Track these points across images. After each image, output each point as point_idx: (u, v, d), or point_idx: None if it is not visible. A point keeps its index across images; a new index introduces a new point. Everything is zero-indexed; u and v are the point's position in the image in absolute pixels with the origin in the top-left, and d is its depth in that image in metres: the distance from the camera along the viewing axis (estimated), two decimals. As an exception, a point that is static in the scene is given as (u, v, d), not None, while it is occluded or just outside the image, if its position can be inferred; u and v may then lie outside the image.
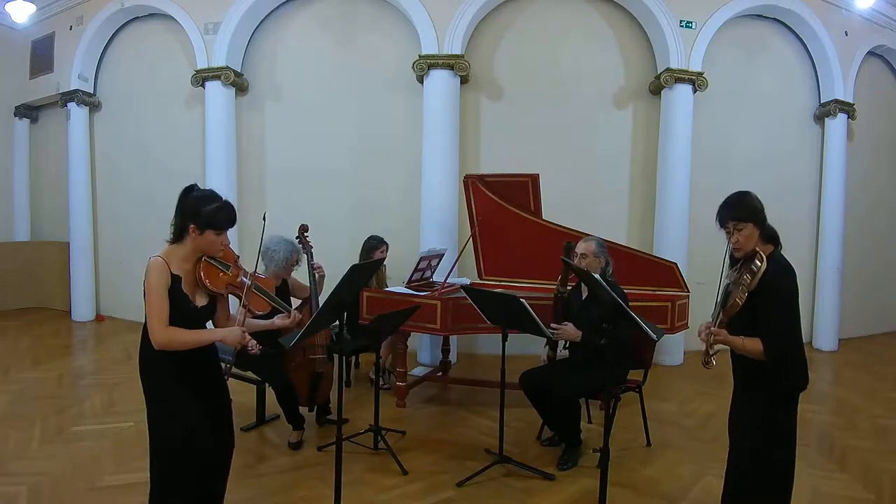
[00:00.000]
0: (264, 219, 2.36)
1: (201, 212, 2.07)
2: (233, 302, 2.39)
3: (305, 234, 3.79)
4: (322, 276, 3.82)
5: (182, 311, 2.08)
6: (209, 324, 2.30)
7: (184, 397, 2.11)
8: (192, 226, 2.07)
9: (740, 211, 2.17)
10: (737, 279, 2.14)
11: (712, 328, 2.16)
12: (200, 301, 2.16)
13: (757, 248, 2.17)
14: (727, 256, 2.27)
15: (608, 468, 2.56)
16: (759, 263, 2.08)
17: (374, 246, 4.74)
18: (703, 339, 2.18)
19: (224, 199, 2.15)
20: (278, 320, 2.62)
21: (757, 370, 2.21)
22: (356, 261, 4.67)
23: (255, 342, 3.45)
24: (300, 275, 3.85)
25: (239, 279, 2.23)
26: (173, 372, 2.10)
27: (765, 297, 2.11)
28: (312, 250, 3.77)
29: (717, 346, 2.18)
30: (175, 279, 2.06)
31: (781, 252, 2.26)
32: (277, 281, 3.68)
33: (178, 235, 2.11)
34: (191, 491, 2.13)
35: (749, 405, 2.29)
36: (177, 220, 2.11)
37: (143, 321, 2.07)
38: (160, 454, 2.12)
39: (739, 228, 2.17)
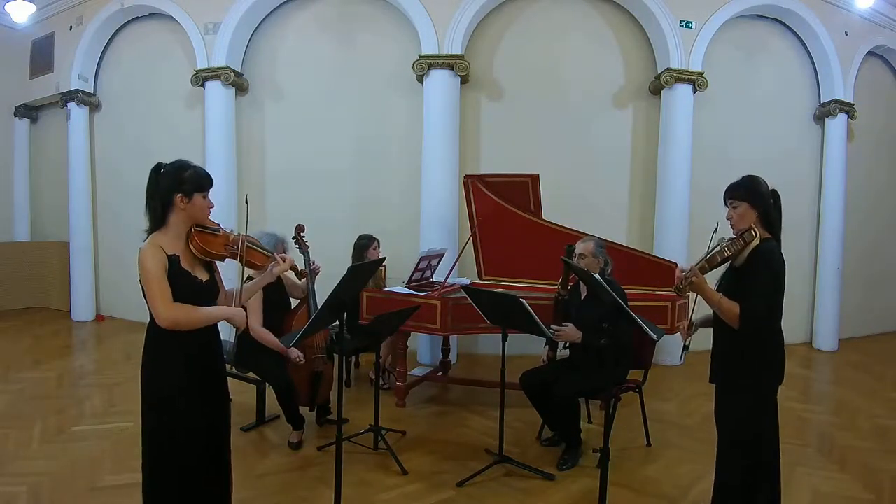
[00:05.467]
0: (246, 202, 2.46)
1: (184, 178, 2.02)
2: (229, 281, 2.37)
3: (302, 234, 3.78)
4: (317, 273, 3.79)
5: (189, 288, 2.03)
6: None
7: (180, 369, 2.04)
8: (178, 196, 2.00)
9: (738, 191, 2.36)
10: (727, 243, 2.31)
11: (692, 267, 2.29)
12: (202, 275, 2.11)
13: (752, 226, 2.28)
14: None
15: (608, 468, 2.56)
16: (753, 234, 2.24)
17: (365, 245, 4.73)
18: (678, 276, 2.31)
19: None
20: (276, 269, 2.42)
21: (738, 370, 2.33)
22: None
23: (298, 352, 3.44)
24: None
25: (232, 237, 2.18)
26: (178, 356, 2.03)
27: (753, 271, 2.26)
28: (310, 250, 3.76)
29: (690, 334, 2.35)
30: (172, 259, 1.99)
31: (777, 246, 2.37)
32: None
33: (162, 218, 2.03)
34: (184, 461, 2.06)
35: (730, 408, 2.39)
36: (155, 201, 2.02)
37: (148, 320, 2.03)
38: (149, 416, 2.06)
39: (735, 206, 2.36)
